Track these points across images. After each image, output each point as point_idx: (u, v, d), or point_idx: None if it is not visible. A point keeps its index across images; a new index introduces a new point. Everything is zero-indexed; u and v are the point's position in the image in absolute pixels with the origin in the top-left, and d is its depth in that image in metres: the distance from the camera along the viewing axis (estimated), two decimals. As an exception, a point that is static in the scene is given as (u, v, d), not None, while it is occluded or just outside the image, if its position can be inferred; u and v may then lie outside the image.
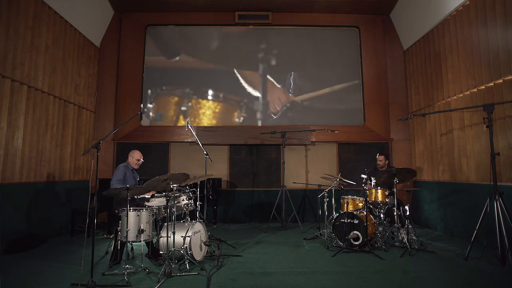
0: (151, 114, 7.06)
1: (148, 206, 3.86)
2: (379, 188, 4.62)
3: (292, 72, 7.21)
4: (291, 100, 7.15)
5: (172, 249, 3.52)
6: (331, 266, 3.66)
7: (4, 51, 4.42)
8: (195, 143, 6.65)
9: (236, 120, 7.05)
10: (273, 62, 7.23)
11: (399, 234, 4.45)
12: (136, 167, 4.63)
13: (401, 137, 7.03)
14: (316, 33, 7.32)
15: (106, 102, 6.97)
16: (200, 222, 4.03)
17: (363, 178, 4.52)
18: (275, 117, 7.10)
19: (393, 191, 4.47)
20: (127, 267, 3.21)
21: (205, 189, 5.70)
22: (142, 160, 4.69)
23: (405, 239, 4.22)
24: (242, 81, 7.17)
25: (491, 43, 4.61)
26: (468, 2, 5.09)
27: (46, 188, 5.20)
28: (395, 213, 4.46)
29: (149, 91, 7.09)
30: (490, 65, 4.63)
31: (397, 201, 4.47)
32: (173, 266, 3.44)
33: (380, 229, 4.56)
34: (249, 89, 7.16)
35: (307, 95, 7.15)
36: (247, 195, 6.83)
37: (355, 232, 4.26)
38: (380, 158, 5.46)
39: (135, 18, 7.22)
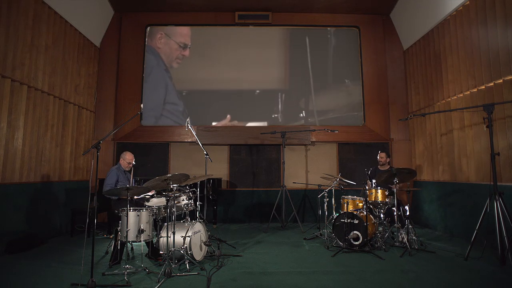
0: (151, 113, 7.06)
1: (148, 206, 3.86)
2: (379, 188, 4.63)
3: (292, 72, 7.21)
4: (291, 100, 7.15)
5: (172, 249, 3.52)
6: (331, 266, 3.66)
7: (4, 51, 4.42)
8: (195, 143, 6.64)
9: (236, 119, 7.06)
10: (273, 62, 7.23)
11: (399, 234, 4.45)
12: (127, 169, 4.63)
13: (401, 137, 7.03)
14: (316, 33, 7.33)
15: (106, 102, 6.97)
16: (200, 222, 4.03)
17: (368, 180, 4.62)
18: (274, 117, 7.10)
19: (393, 191, 4.47)
20: (127, 267, 3.21)
21: (205, 189, 5.70)
22: (134, 162, 4.66)
23: (405, 239, 4.22)
24: (241, 80, 7.17)
25: (491, 43, 4.61)
26: (468, 2, 5.09)
27: (46, 188, 5.20)
28: (395, 213, 4.46)
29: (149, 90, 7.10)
30: (490, 65, 4.63)
31: (397, 201, 4.47)
32: (173, 266, 3.44)
33: (380, 229, 4.56)
34: (249, 89, 7.16)
35: (307, 95, 7.15)
36: (247, 195, 6.83)
37: (355, 232, 4.26)
38: (381, 155, 5.47)
39: (135, 18, 7.22)
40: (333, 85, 7.19)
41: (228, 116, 7.02)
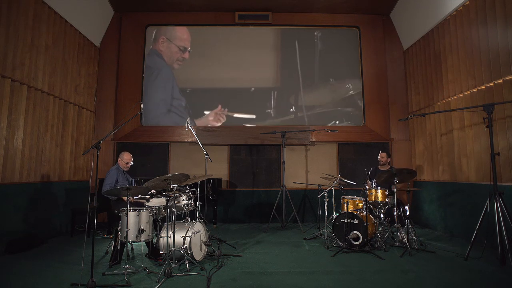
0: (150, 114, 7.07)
1: (148, 206, 3.86)
2: (379, 188, 4.63)
3: (292, 73, 7.21)
4: (291, 100, 7.15)
5: (172, 249, 3.52)
6: (331, 266, 3.66)
7: (4, 51, 4.42)
8: (195, 143, 6.64)
9: (236, 119, 7.06)
10: (273, 61, 7.23)
11: (399, 234, 4.45)
12: (125, 169, 4.63)
13: (401, 137, 7.03)
14: (316, 33, 7.33)
15: (106, 102, 6.96)
16: (200, 222, 4.03)
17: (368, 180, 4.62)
18: (274, 117, 7.11)
19: (393, 191, 4.47)
20: (127, 267, 3.21)
21: (205, 189, 5.70)
22: (132, 162, 4.64)
23: (405, 239, 4.22)
24: (241, 80, 7.17)
25: (491, 43, 4.61)
26: (468, 2, 5.09)
27: (46, 188, 5.20)
28: (395, 213, 4.46)
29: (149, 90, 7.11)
30: (490, 65, 4.63)
31: (397, 201, 4.47)
32: (173, 266, 3.44)
33: (380, 229, 4.56)
34: (248, 89, 7.16)
35: (307, 95, 7.16)
36: (247, 195, 6.83)
37: (355, 232, 4.26)
38: (382, 155, 5.47)
39: (135, 18, 7.22)
40: (334, 84, 7.18)
41: (219, 105, 7.10)
